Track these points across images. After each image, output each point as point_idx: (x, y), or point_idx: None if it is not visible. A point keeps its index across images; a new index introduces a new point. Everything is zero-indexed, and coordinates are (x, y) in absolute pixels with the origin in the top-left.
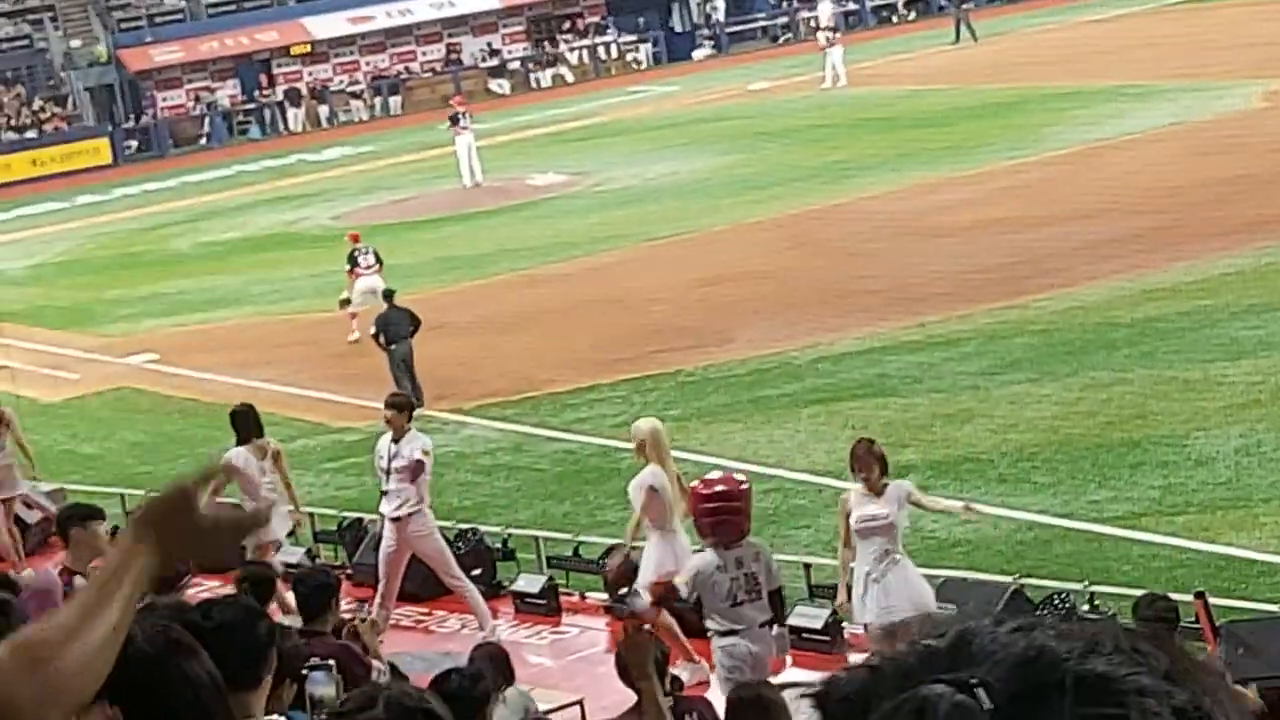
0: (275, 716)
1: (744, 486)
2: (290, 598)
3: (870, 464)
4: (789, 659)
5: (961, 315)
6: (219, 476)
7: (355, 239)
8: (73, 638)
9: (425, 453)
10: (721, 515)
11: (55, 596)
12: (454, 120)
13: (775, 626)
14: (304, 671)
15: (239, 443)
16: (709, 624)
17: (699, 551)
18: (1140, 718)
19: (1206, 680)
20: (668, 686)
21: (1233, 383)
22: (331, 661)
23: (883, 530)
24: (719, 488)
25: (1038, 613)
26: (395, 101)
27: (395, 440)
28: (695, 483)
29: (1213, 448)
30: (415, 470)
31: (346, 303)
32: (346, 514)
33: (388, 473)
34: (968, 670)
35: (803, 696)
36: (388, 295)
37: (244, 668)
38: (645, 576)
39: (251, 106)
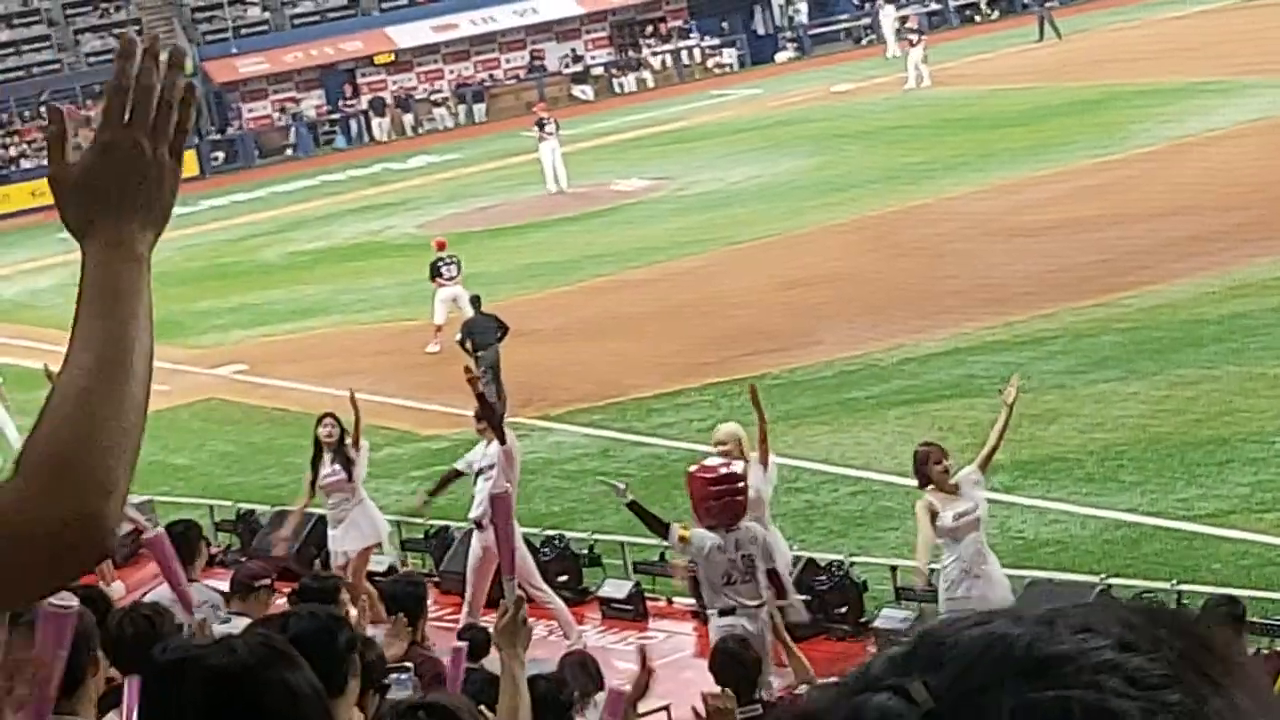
0: None
1: (740, 471)
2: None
3: (949, 462)
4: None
5: (1047, 314)
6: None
7: (441, 246)
8: (97, 422)
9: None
10: (725, 498)
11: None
12: (539, 125)
13: (785, 597)
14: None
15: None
16: (707, 604)
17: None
18: (1082, 696)
19: (1218, 668)
20: (759, 695)
21: None
22: (410, 666)
23: (974, 524)
24: (722, 471)
25: None
26: (479, 109)
27: (488, 445)
28: (693, 468)
29: None
30: (505, 464)
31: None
32: (433, 522)
33: (477, 476)
34: (921, 671)
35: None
36: (475, 301)
37: (325, 676)
38: None
39: (336, 116)
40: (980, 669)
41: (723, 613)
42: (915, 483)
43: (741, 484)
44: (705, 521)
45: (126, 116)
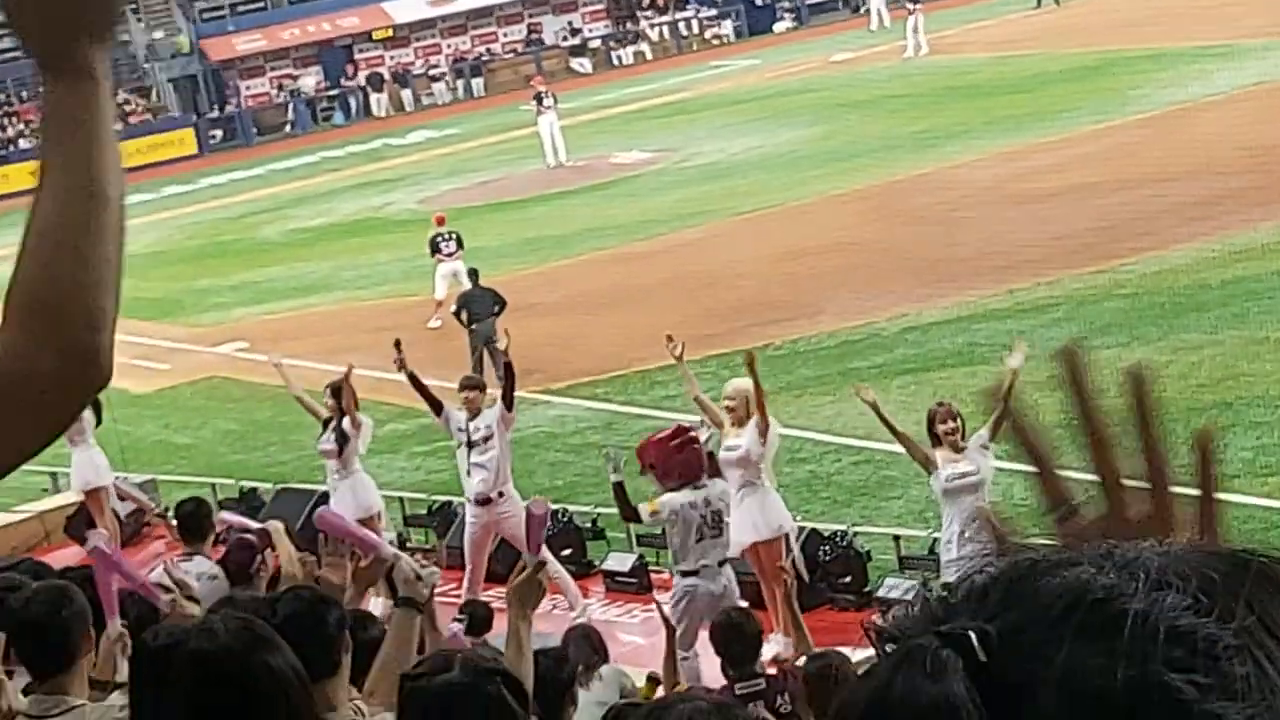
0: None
1: (686, 425)
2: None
3: (957, 423)
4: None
5: (1050, 281)
6: None
7: (440, 221)
8: (74, 254)
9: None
10: (688, 449)
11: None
12: (538, 99)
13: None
14: None
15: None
16: (675, 565)
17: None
18: (1127, 669)
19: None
20: (758, 669)
21: None
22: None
23: (974, 487)
24: (674, 428)
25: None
26: (477, 83)
27: (471, 418)
28: (646, 438)
29: None
30: (503, 428)
31: (440, 304)
32: (436, 497)
33: (470, 446)
34: (991, 614)
35: (869, 632)
36: (472, 275)
37: (317, 657)
38: (758, 531)
39: (335, 93)
40: (1046, 621)
41: (686, 574)
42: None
43: (696, 435)
44: (671, 482)
45: None
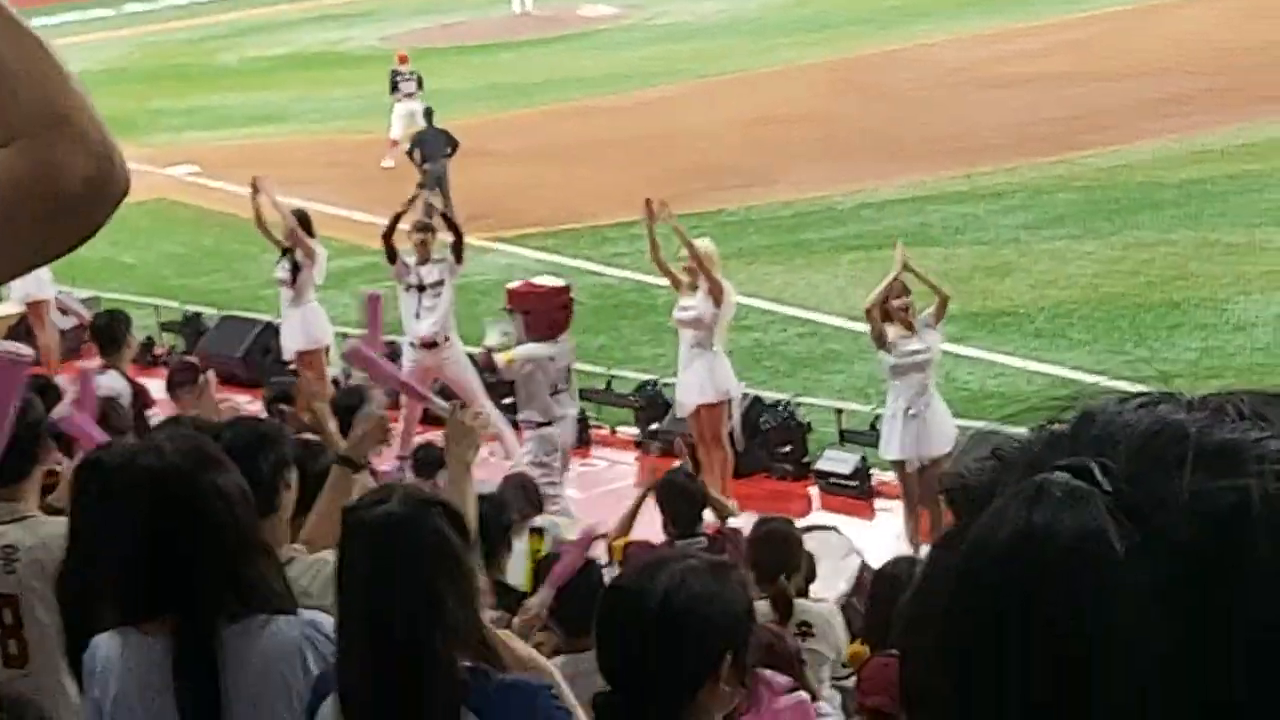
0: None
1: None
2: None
3: (908, 299)
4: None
5: (1009, 168)
6: None
7: (403, 59)
8: (37, 74)
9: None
10: (560, 309)
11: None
12: None
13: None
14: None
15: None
16: (525, 415)
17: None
18: (1260, 485)
19: None
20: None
21: (1277, 249)
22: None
23: (923, 365)
24: (554, 284)
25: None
26: None
27: (421, 263)
28: (518, 284)
29: (1253, 313)
30: (450, 277)
31: (395, 144)
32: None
33: (420, 290)
34: (1091, 452)
35: (941, 492)
36: (427, 114)
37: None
38: (704, 393)
39: None
40: (1153, 451)
41: (541, 424)
42: (863, 327)
43: (573, 297)
44: (538, 333)
45: None
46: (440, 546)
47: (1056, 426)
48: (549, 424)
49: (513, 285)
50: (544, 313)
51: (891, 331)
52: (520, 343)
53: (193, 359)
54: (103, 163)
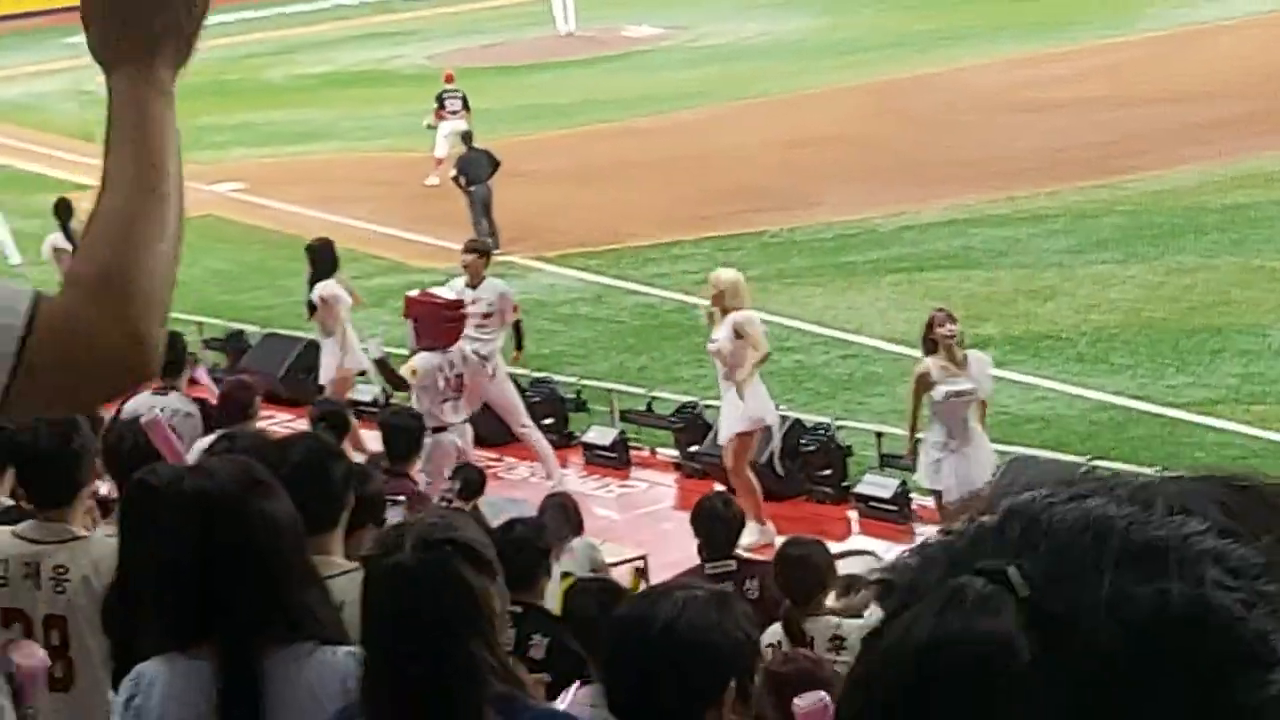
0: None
1: (460, 299)
2: (363, 435)
3: (956, 327)
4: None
5: (1050, 192)
6: None
7: (449, 80)
8: (138, 243)
9: (501, 295)
10: (450, 321)
11: None
12: None
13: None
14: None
15: (324, 276)
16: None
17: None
18: (1181, 589)
19: None
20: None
21: None
22: (402, 497)
23: (965, 404)
24: (447, 297)
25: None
26: None
27: (472, 285)
28: (414, 293)
29: None
30: (505, 313)
31: (432, 127)
32: None
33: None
34: (1013, 552)
35: (870, 586)
36: (466, 137)
37: (319, 509)
38: (733, 422)
39: None
40: (1076, 553)
41: (436, 429)
42: (905, 350)
43: (463, 310)
44: (427, 342)
45: None
46: (456, 590)
47: (983, 521)
48: (442, 429)
49: (411, 293)
50: (431, 323)
51: (935, 367)
52: (412, 351)
53: (247, 378)
54: (134, 345)
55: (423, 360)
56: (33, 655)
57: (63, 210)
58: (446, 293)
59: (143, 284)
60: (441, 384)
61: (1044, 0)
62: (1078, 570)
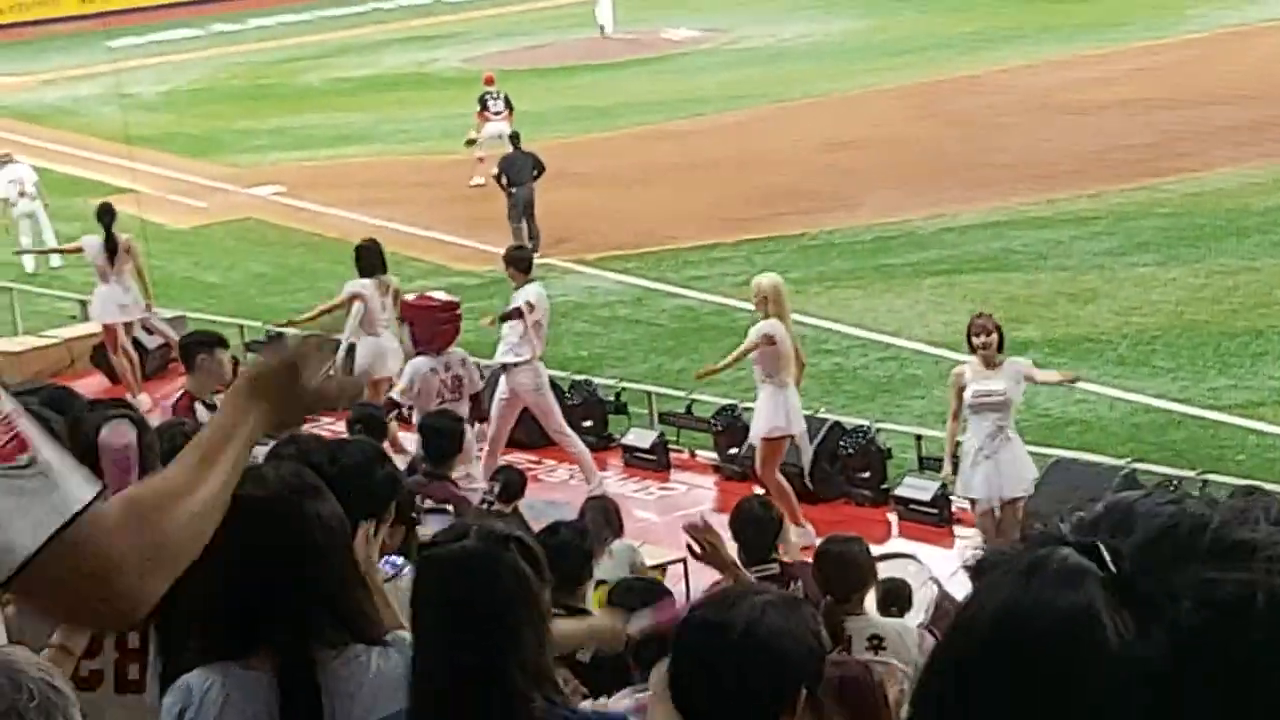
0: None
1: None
2: (402, 437)
3: (990, 338)
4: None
5: (1092, 194)
6: (329, 348)
7: (489, 81)
8: (182, 497)
9: (527, 303)
10: (445, 324)
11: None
12: None
13: (477, 425)
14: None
15: (362, 275)
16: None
17: (415, 357)
18: (1267, 582)
19: None
20: (781, 555)
21: None
22: (449, 507)
23: (998, 406)
24: (443, 299)
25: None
26: None
27: (516, 289)
28: (411, 297)
29: None
30: (511, 315)
31: (472, 142)
32: None
33: (503, 320)
34: (1111, 533)
35: (964, 568)
36: (513, 138)
37: (363, 510)
38: (758, 428)
39: None
40: (1169, 542)
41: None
42: (944, 352)
43: (457, 312)
44: (423, 344)
45: (306, 373)
46: (518, 584)
47: (1081, 512)
48: None
49: (409, 297)
50: (426, 325)
51: (969, 370)
52: (408, 355)
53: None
54: (141, 603)
55: (412, 367)
56: (123, 435)
57: (105, 214)
58: (440, 295)
59: (175, 565)
60: (436, 386)
61: (1086, 2)
62: (1169, 556)
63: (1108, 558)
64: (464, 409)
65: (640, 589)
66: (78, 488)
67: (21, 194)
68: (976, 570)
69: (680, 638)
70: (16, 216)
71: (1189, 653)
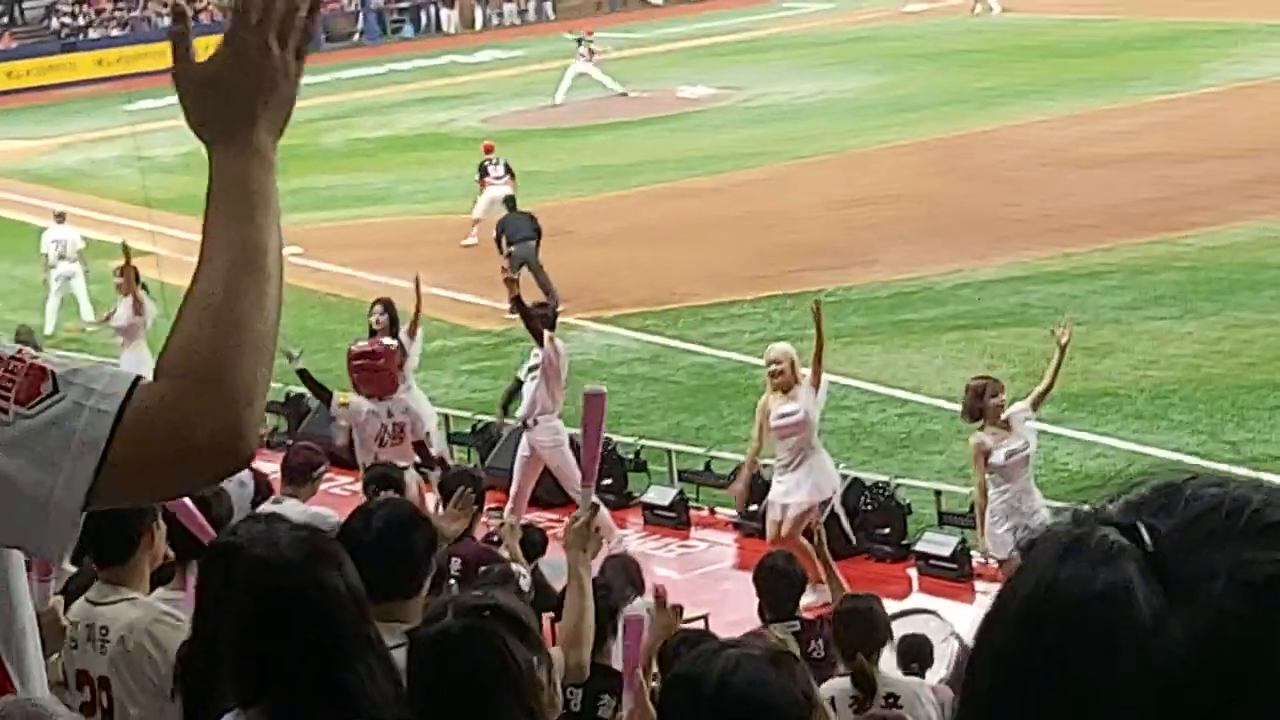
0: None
1: (392, 348)
2: (415, 492)
3: (999, 397)
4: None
5: (1107, 248)
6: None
7: (489, 149)
8: (236, 328)
9: (550, 339)
10: (364, 371)
11: None
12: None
13: (432, 467)
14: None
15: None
16: (361, 461)
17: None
18: None
19: None
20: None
21: None
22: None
23: (1023, 461)
24: (362, 348)
25: None
26: (549, 6)
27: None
28: (351, 346)
29: None
30: (543, 371)
31: (478, 223)
32: (481, 416)
33: (527, 374)
34: (1152, 513)
35: (1016, 548)
36: (509, 201)
37: (400, 576)
38: (799, 497)
39: (405, 5)
40: (1208, 523)
41: (370, 468)
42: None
43: (381, 360)
44: (364, 391)
45: (256, 18)
46: (499, 658)
47: (1129, 495)
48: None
49: (354, 345)
50: (365, 374)
51: (988, 435)
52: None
53: (313, 446)
54: (230, 436)
55: (356, 402)
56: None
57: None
58: (389, 342)
59: (240, 373)
60: (377, 429)
61: (1101, 57)
62: (1208, 536)
63: (1146, 536)
64: (406, 456)
65: (670, 645)
66: (114, 379)
67: (61, 256)
68: (1027, 549)
69: (664, 696)
70: (54, 278)
71: (1221, 631)
